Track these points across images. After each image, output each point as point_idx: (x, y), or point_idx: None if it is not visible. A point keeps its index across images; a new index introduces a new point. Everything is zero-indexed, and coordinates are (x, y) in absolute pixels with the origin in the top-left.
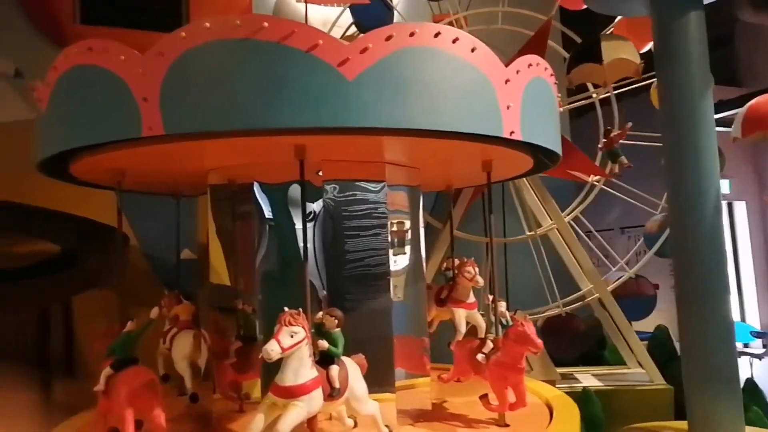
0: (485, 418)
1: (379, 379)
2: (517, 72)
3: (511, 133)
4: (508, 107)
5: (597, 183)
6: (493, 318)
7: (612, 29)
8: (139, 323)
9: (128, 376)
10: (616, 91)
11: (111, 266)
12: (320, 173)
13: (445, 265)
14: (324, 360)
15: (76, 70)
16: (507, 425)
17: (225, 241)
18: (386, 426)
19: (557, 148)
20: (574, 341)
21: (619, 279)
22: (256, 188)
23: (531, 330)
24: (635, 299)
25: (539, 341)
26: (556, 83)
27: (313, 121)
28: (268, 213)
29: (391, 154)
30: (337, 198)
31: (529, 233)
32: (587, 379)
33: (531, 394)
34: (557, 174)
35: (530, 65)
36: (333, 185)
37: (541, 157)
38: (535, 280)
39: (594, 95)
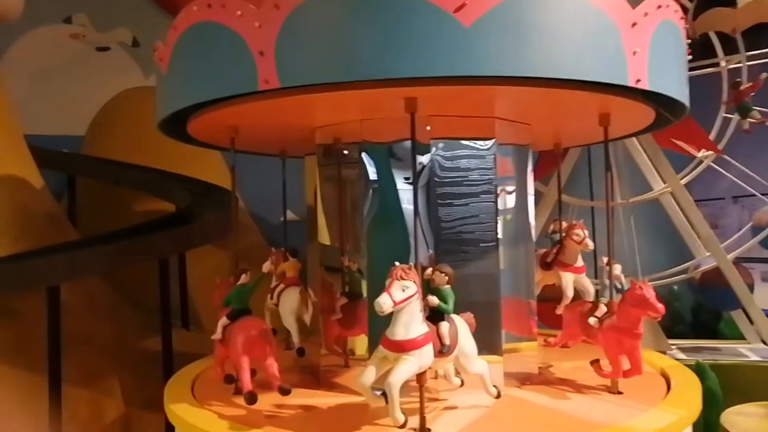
0: (596, 384)
1: (485, 342)
2: (645, 14)
3: (637, 81)
4: (634, 53)
5: (705, 159)
6: (607, 281)
7: None
8: (252, 276)
9: (243, 326)
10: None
11: (222, 223)
12: (429, 128)
13: (552, 227)
14: (433, 316)
15: (195, 27)
16: (620, 393)
17: (330, 201)
18: (494, 386)
19: (685, 100)
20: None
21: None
22: (362, 147)
23: (651, 294)
24: (729, 288)
25: (660, 306)
26: (686, 27)
27: (428, 71)
28: (373, 172)
29: (502, 108)
30: (443, 157)
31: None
32: (701, 352)
33: (644, 363)
34: (662, 144)
35: (659, 6)
36: (439, 144)
37: (662, 111)
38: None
39: (723, 63)
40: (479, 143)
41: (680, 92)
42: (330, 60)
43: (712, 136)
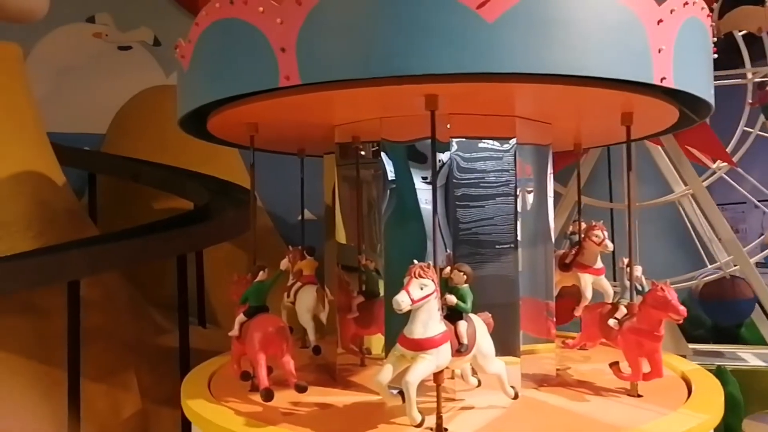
0: (615, 387)
1: (502, 344)
2: (672, 11)
3: (662, 79)
4: (659, 51)
5: (719, 170)
6: (627, 283)
7: None
8: (270, 274)
9: (261, 323)
10: None
11: (240, 221)
12: (449, 126)
13: (570, 228)
14: (451, 315)
15: (217, 24)
16: (640, 396)
17: (348, 200)
18: (511, 387)
19: (710, 99)
20: (740, 305)
21: (707, 276)
22: (381, 145)
23: (672, 295)
24: (730, 302)
25: (682, 308)
26: (712, 25)
27: (450, 67)
28: (391, 171)
29: (523, 107)
30: (462, 157)
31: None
32: (722, 357)
33: (665, 366)
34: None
35: (686, 3)
36: (459, 143)
37: (686, 111)
38: (665, 247)
39: (750, 75)
40: (499, 143)
41: (705, 91)
42: (351, 56)
43: (729, 149)
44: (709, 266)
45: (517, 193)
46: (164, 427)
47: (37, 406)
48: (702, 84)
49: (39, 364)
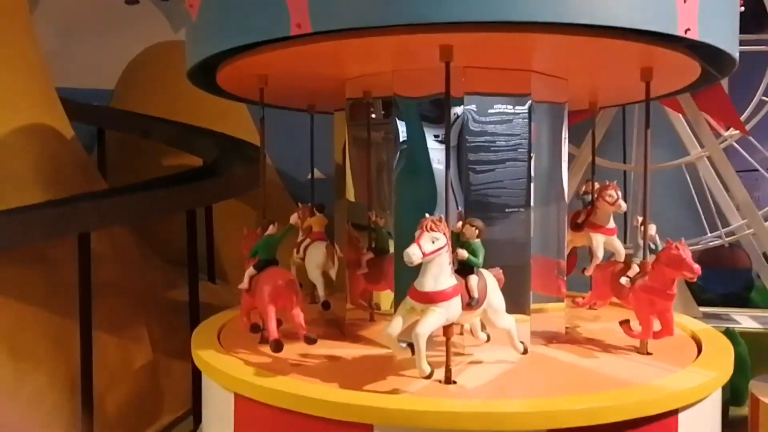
0: (624, 345)
1: (513, 304)
2: None
3: (687, 30)
4: (684, 0)
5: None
6: (640, 241)
7: None
8: (279, 228)
9: (270, 276)
10: None
11: (249, 177)
12: (463, 80)
13: (583, 188)
14: (462, 270)
15: None
16: (649, 353)
17: (358, 157)
18: (521, 342)
19: (735, 53)
20: (737, 275)
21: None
22: (393, 101)
23: (687, 254)
24: (727, 270)
25: (696, 266)
26: None
27: (466, 15)
28: (403, 127)
29: (539, 61)
30: (474, 119)
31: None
32: (732, 320)
33: (675, 326)
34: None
35: None
36: (472, 101)
37: (708, 67)
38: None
39: None
40: (511, 105)
41: (731, 45)
42: (365, 3)
43: (742, 117)
44: (709, 234)
45: (531, 151)
46: (174, 379)
47: (50, 355)
48: (727, 37)
49: (52, 315)
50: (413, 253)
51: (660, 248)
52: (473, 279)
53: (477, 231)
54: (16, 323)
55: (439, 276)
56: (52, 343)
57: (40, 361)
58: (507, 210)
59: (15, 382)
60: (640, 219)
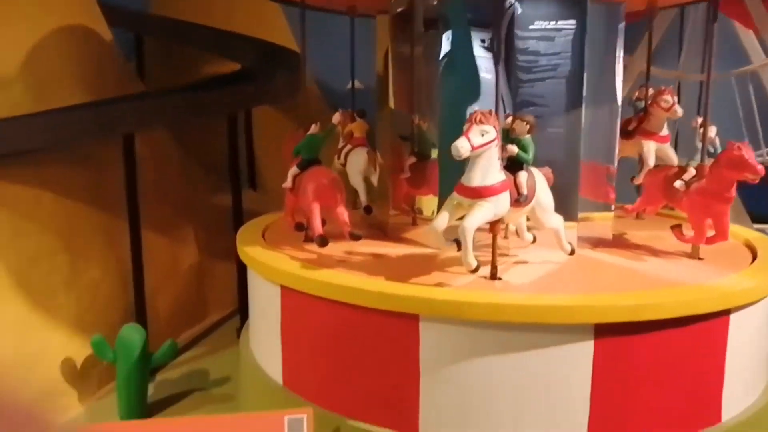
0: (674, 250)
1: (560, 207)
2: None
3: None
4: None
5: None
6: (699, 144)
7: None
8: (322, 127)
9: (314, 174)
10: None
11: (289, 83)
12: None
13: (636, 94)
14: (512, 166)
15: None
16: (701, 258)
17: (402, 61)
18: (568, 243)
19: None
20: None
21: None
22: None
23: (750, 154)
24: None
25: (760, 167)
26: None
27: None
28: (448, 34)
29: None
30: (526, 14)
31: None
32: None
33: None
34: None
35: None
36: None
37: None
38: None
39: None
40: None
41: None
42: None
43: None
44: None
45: (585, 48)
46: (221, 281)
47: (102, 251)
48: None
49: (101, 214)
50: (462, 146)
51: (719, 151)
52: (522, 175)
53: (528, 126)
54: (69, 220)
55: (488, 171)
56: (103, 240)
57: (93, 256)
58: (562, 102)
59: (72, 274)
60: (700, 120)
